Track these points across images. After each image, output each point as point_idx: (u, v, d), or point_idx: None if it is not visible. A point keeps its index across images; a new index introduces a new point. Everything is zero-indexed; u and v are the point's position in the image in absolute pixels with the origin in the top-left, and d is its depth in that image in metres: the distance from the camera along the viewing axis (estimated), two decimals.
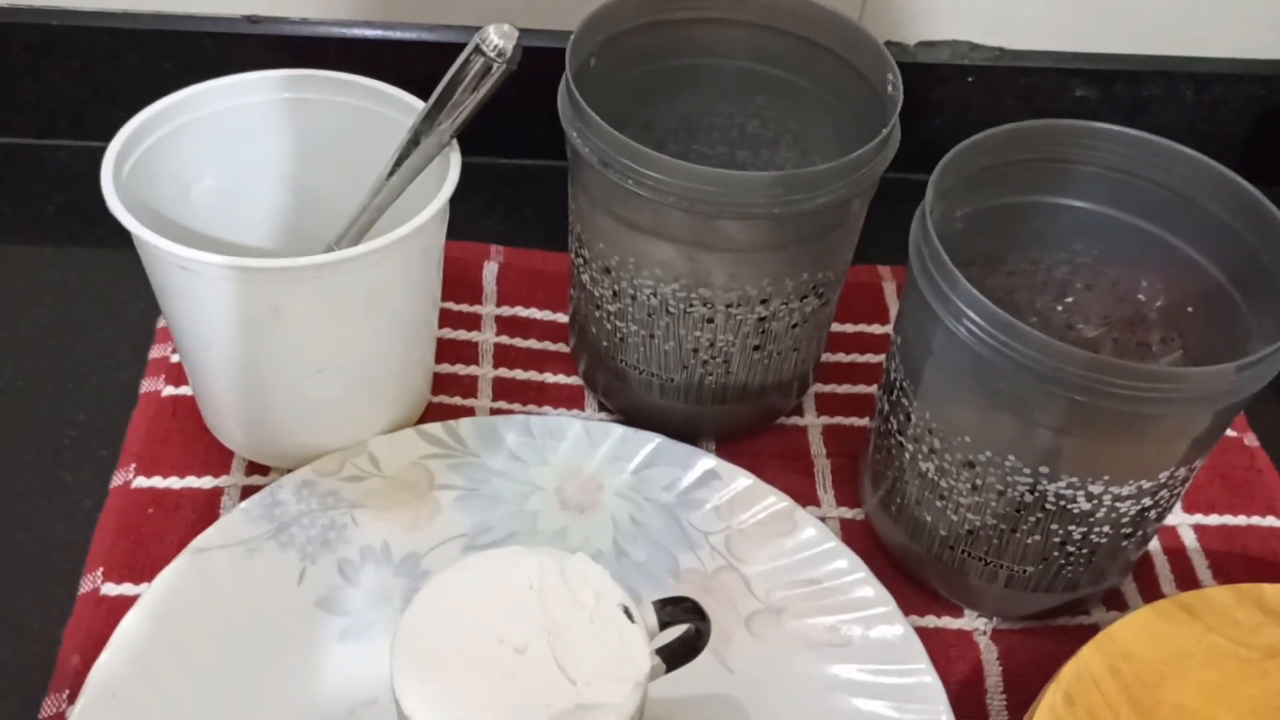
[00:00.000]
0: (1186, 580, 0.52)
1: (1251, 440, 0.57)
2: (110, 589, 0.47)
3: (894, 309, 0.62)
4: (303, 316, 0.44)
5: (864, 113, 0.50)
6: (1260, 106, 0.67)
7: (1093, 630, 0.49)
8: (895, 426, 0.47)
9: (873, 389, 0.58)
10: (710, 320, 0.48)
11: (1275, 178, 0.45)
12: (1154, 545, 0.53)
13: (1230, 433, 0.57)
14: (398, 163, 0.47)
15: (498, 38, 0.44)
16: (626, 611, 0.40)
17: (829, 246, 0.48)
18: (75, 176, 0.64)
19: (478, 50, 0.45)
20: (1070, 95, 0.66)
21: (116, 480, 0.51)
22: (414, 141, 0.47)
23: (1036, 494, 0.43)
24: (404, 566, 0.48)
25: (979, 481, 0.44)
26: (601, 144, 0.45)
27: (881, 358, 0.60)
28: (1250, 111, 0.67)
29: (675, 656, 0.42)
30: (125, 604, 0.46)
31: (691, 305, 0.48)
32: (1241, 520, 0.54)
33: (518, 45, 0.45)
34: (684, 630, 0.42)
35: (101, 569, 0.48)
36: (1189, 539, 0.53)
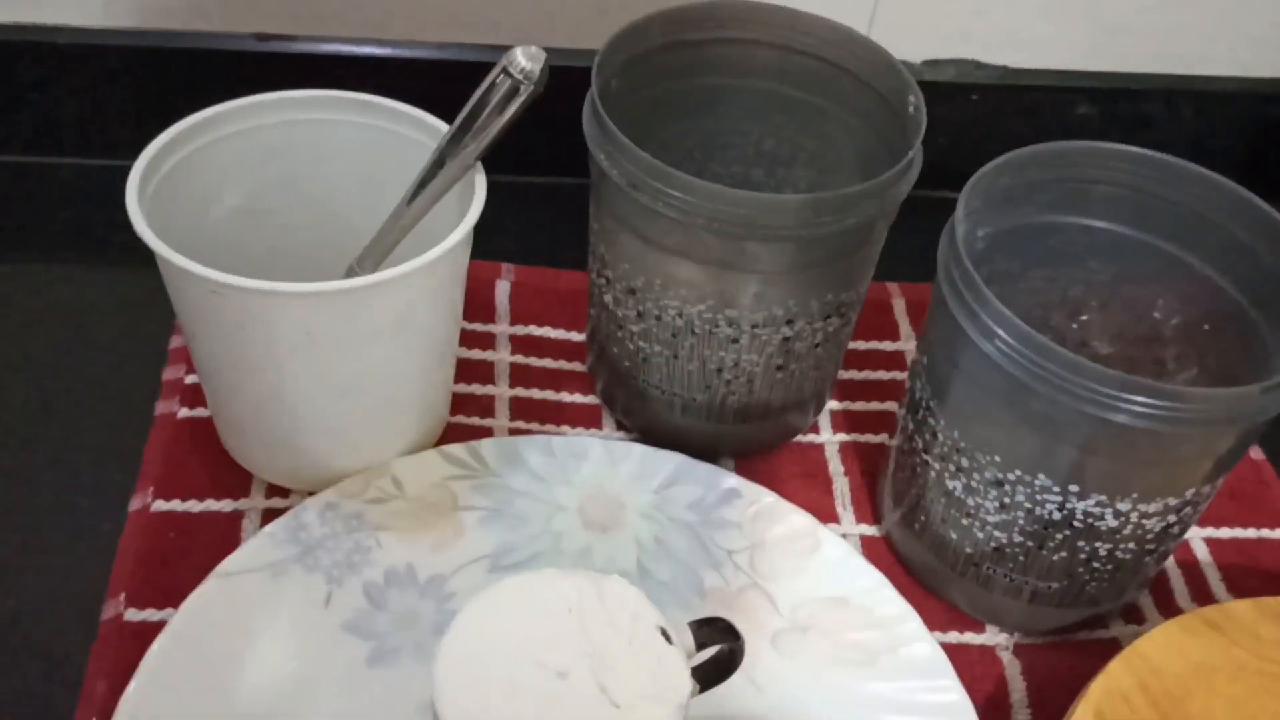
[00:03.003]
0: (1201, 593, 0.53)
1: (1258, 455, 0.58)
2: (134, 614, 0.47)
3: (904, 326, 0.63)
4: (333, 339, 0.44)
5: (882, 132, 0.51)
6: (1260, 124, 0.68)
7: (1113, 644, 0.50)
8: (920, 445, 0.48)
9: (886, 405, 0.58)
10: (735, 340, 0.49)
11: (1274, 195, 0.47)
12: (1168, 559, 0.53)
13: None
14: (421, 184, 0.47)
15: (525, 60, 0.44)
16: (664, 633, 0.40)
17: (853, 267, 0.49)
18: (81, 195, 0.64)
19: (505, 72, 0.45)
20: (1073, 113, 0.67)
21: (135, 504, 0.50)
22: (439, 164, 0.47)
23: (1065, 512, 0.44)
24: (430, 588, 0.48)
25: (1007, 500, 0.45)
26: (631, 166, 0.45)
27: (893, 375, 0.60)
28: (1250, 129, 0.68)
29: (709, 677, 0.42)
30: (149, 629, 0.45)
31: (717, 326, 0.48)
32: (1252, 533, 0.55)
33: (545, 67, 0.45)
34: (717, 650, 0.42)
35: (124, 594, 0.47)
36: (1201, 552, 0.54)
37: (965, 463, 0.45)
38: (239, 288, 0.42)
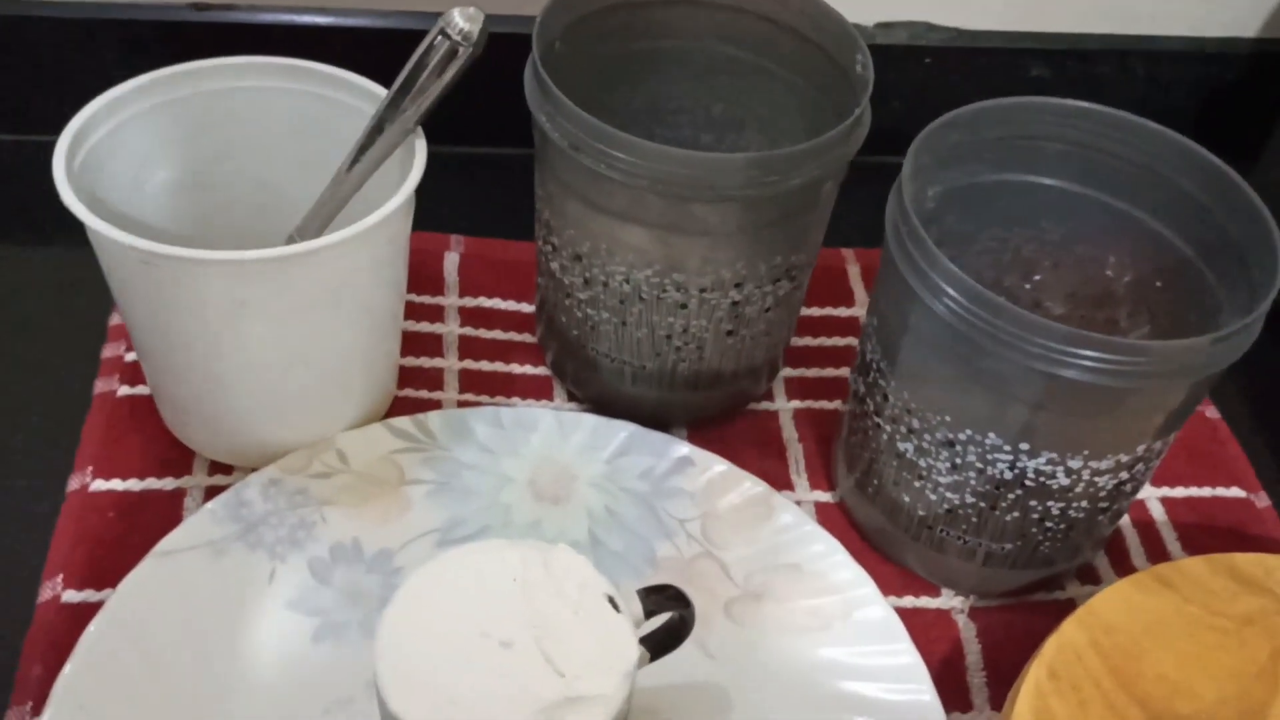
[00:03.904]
0: (1156, 552, 0.52)
1: (1213, 413, 0.58)
2: (71, 596, 0.45)
3: (859, 292, 0.62)
4: (269, 310, 0.43)
5: (832, 94, 0.50)
6: (1209, 84, 0.68)
7: (1068, 605, 0.50)
8: (872, 408, 0.47)
9: (841, 372, 0.58)
10: (684, 306, 0.48)
11: (1223, 154, 0.47)
12: (1124, 519, 0.53)
13: None
14: (360, 151, 0.46)
15: (463, 20, 0.43)
16: (612, 601, 0.39)
17: (801, 229, 0.48)
18: (14, 173, 0.62)
19: (442, 34, 0.44)
20: (1026, 75, 0.67)
21: (73, 484, 0.49)
22: (377, 129, 0.46)
23: (1016, 471, 0.43)
24: (376, 563, 0.47)
25: (958, 460, 0.44)
26: (573, 127, 0.44)
27: (849, 341, 0.60)
28: (1199, 89, 0.68)
29: (660, 645, 0.42)
30: (87, 611, 0.44)
31: (665, 291, 0.47)
32: (1207, 492, 0.55)
33: (483, 28, 0.44)
34: (668, 618, 0.42)
35: (61, 576, 0.46)
36: (1157, 512, 0.54)
37: (916, 424, 0.45)
38: (168, 256, 0.40)
